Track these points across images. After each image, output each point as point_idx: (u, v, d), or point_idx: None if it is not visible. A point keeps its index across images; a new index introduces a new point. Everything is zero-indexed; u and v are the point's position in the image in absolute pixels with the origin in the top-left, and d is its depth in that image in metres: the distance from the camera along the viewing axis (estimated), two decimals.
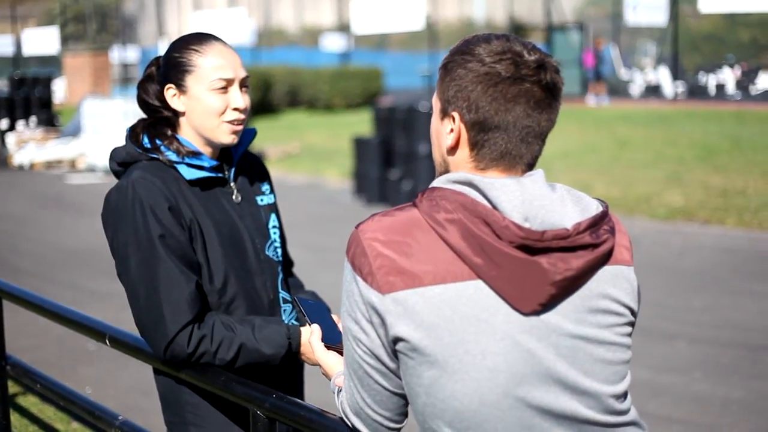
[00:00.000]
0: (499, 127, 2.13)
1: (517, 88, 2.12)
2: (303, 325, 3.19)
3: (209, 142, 3.17)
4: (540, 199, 2.09)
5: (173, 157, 3.12)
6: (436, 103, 2.26)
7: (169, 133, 3.17)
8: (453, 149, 2.21)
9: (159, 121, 3.20)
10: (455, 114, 2.18)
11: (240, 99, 3.13)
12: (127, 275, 3.01)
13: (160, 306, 2.93)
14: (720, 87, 34.32)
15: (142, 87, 3.25)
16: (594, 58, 35.35)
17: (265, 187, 3.42)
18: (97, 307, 9.49)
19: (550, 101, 2.17)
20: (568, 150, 21.75)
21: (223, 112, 3.11)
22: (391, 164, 16.91)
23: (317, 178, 20.99)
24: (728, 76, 34.38)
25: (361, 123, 28.75)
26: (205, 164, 3.15)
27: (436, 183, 2.18)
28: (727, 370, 7.76)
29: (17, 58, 46.75)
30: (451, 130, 2.19)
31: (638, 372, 6.86)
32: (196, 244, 3.05)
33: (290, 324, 3.10)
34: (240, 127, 3.17)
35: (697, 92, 34.35)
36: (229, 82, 3.11)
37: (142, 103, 3.25)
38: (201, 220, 3.08)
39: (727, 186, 16.51)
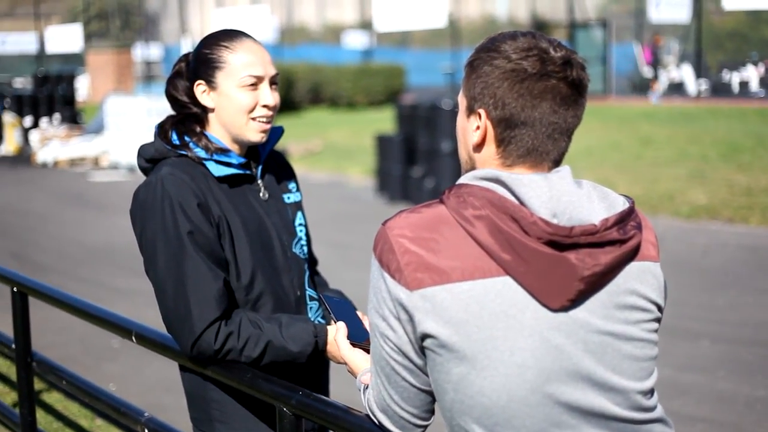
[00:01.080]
0: (525, 124, 2.13)
1: (543, 85, 2.11)
2: (329, 322, 3.19)
3: (237, 140, 3.18)
4: (568, 195, 2.08)
5: (202, 153, 3.12)
6: (462, 101, 2.26)
7: (198, 129, 3.18)
8: (479, 146, 2.21)
9: (187, 118, 3.21)
10: (481, 111, 2.17)
11: (270, 96, 3.14)
12: (155, 271, 3.01)
13: (188, 302, 2.93)
14: (743, 84, 34.14)
15: (171, 83, 3.25)
16: (651, 54, 34.68)
17: (292, 185, 3.43)
18: (120, 304, 9.52)
19: (576, 98, 2.17)
20: (591, 148, 21.70)
21: (252, 109, 3.12)
22: (413, 162, 16.89)
23: (340, 175, 21.00)
24: (752, 74, 34.19)
25: (384, 121, 28.73)
26: (234, 161, 3.15)
27: (463, 180, 2.17)
28: (751, 368, 7.73)
29: (41, 56, 46.79)
30: (478, 127, 2.19)
31: (662, 370, 6.82)
32: (224, 240, 3.05)
33: (317, 322, 3.10)
34: (268, 126, 3.18)
35: (720, 90, 34.18)
36: (259, 79, 3.12)
37: (171, 99, 3.25)
38: (229, 216, 3.08)
39: (752, 184, 16.43)
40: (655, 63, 34.75)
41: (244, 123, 3.13)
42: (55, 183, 21.40)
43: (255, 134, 3.16)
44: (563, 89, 2.13)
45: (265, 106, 3.14)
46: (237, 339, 2.96)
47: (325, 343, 3.06)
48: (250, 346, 2.97)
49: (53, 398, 7.02)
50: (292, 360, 3.03)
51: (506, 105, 2.13)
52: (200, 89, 3.16)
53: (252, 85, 3.11)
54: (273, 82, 3.18)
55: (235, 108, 3.11)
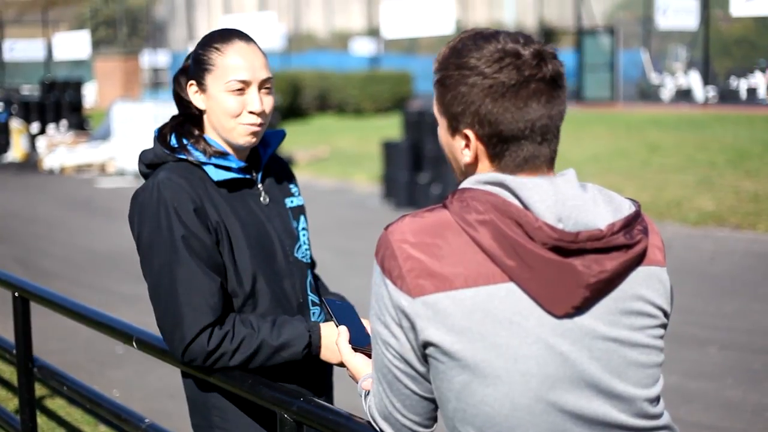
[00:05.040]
0: (516, 136, 2.08)
1: (525, 92, 2.07)
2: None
3: (228, 143, 3.14)
4: (573, 199, 2.05)
5: (200, 157, 3.09)
6: (440, 119, 2.21)
7: (197, 133, 3.15)
8: (472, 164, 2.17)
9: (187, 120, 3.18)
10: (468, 131, 2.13)
11: (256, 102, 3.07)
12: (150, 275, 3.00)
13: (180, 307, 2.91)
14: (751, 91, 34.06)
15: (176, 81, 3.23)
16: None
17: (294, 189, 3.40)
18: (126, 311, 9.50)
19: (557, 92, 2.12)
20: (598, 154, 21.68)
21: (238, 115, 3.07)
22: (420, 168, 16.90)
23: (346, 182, 20.99)
24: (760, 81, 34.11)
25: (391, 127, 28.76)
26: (233, 165, 3.12)
27: (466, 183, 2.13)
28: (758, 376, 7.70)
29: (48, 63, 46.92)
30: (467, 146, 2.15)
31: (669, 378, 6.80)
32: (222, 246, 3.02)
33: (311, 321, 3.08)
34: (257, 129, 3.11)
35: (728, 96, 34.13)
36: (246, 84, 3.06)
37: (176, 98, 3.23)
38: (228, 221, 3.05)
39: (759, 191, 16.39)
40: None
41: (232, 127, 3.08)
42: (61, 189, 21.41)
43: (242, 138, 3.10)
44: (544, 89, 2.08)
45: (251, 112, 3.08)
46: (231, 340, 2.93)
47: (319, 339, 3.02)
48: (244, 346, 2.94)
49: (56, 404, 7.00)
50: (287, 359, 3.00)
51: (493, 122, 2.08)
52: (192, 90, 3.14)
53: (239, 90, 3.06)
54: (264, 86, 3.13)
55: (222, 112, 3.07)
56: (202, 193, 3.03)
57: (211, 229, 2.99)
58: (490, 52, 2.09)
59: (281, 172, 3.38)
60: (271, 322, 3.00)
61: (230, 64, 3.05)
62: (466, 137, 2.13)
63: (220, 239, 3.02)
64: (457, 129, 2.15)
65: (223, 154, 3.12)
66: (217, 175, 3.09)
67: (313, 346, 3.02)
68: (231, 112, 3.06)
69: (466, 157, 2.15)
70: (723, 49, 39.47)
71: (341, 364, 3.02)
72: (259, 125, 3.11)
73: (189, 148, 3.11)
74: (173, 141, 3.14)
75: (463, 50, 2.13)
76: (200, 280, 2.92)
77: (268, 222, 3.18)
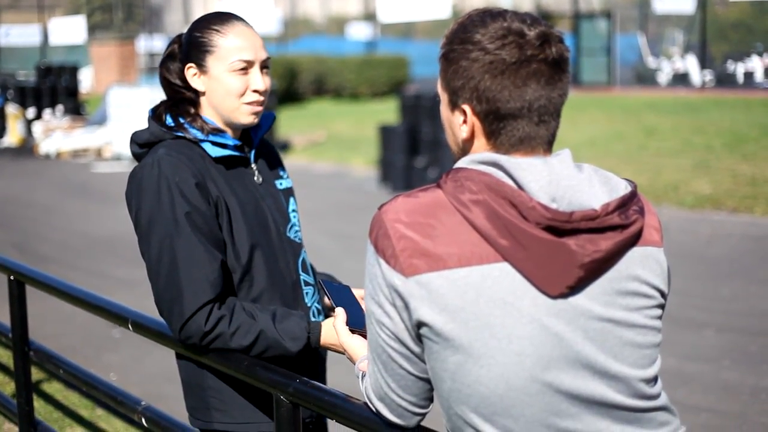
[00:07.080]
0: (513, 114, 2.08)
1: (525, 71, 2.06)
2: (324, 308, 3.17)
3: (228, 123, 3.16)
4: (567, 180, 2.04)
5: (198, 134, 3.11)
6: (442, 94, 2.21)
7: (192, 111, 3.16)
8: (469, 141, 2.16)
9: (181, 101, 3.18)
10: (466, 107, 2.12)
11: (260, 81, 3.11)
12: (149, 252, 3.00)
13: (180, 283, 2.91)
14: (748, 75, 34.04)
15: (164, 66, 3.23)
16: None
17: (282, 172, 3.42)
18: (122, 295, 9.49)
19: (559, 75, 2.11)
20: (595, 138, 21.67)
21: (242, 94, 3.09)
22: (416, 152, 16.89)
23: (343, 166, 20.98)
24: (756, 64, 34.09)
25: (387, 111, 28.74)
26: (229, 142, 3.14)
27: (461, 163, 2.12)
28: (755, 358, 7.71)
29: (44, 48, 46.88)
30: (464, 121, 2.14)
31: (666, 360, 6.80)
32: (221, 220, 3.04)
33: (312, 319, 3.06)
34: (259, 108, 3.16)
35: (725, 80, 34.10)
36: (250, 64, 3.10)
37: (165, 83, 3.23)
38: (226, 197, 3.07)
39: (756, 174, 16.39)
40: None
41: (235, 107, 3.11)
42: (57, 174, 21.38)
43: (246, 116, 3.14)
44: (545, 70, 2.08)
45: (255, 90, 3.11)
46: (228, 324, 2.93)
47: (318, 340, 3.02)
48: (240, 333, 2.94)
49: (53, 388, 7.00)
50: (282, 354, 2.99)
51: (490, 98, 2.08)
52: (191, 72, 3.15)
53: (242, 69, 3.09)
54: (264, 66, 3.15)
55: (226, 92, 3.09)
56: (202, 169, 3.05)
57: (211, 203, 3.01)
58: (494, 29, 2.08)
59: (269, 155, 3.41)
60: (272, 315, 3.00)
61: (233, 45, 3.08)
62: (464, 112, 2.13)
63: (220, 213, 3.04)
64: (457, 104, 2.15)
65: (219, 131, 3.14)
66: (215, 151, 3.11)
67: (311, 347, 3.02)
68: (236, 92, 3.09)
69: (464, 132, 2.15)
70: (720, 32, 39.41)
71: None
72: (261, 103, 3.14)
73: (186, 126, 3.12)
74: (169, 120, 3.15)
75: (469, 26, 2.13)
76: (201, 255, 2.92)
77: (262, 200, 3.19)
